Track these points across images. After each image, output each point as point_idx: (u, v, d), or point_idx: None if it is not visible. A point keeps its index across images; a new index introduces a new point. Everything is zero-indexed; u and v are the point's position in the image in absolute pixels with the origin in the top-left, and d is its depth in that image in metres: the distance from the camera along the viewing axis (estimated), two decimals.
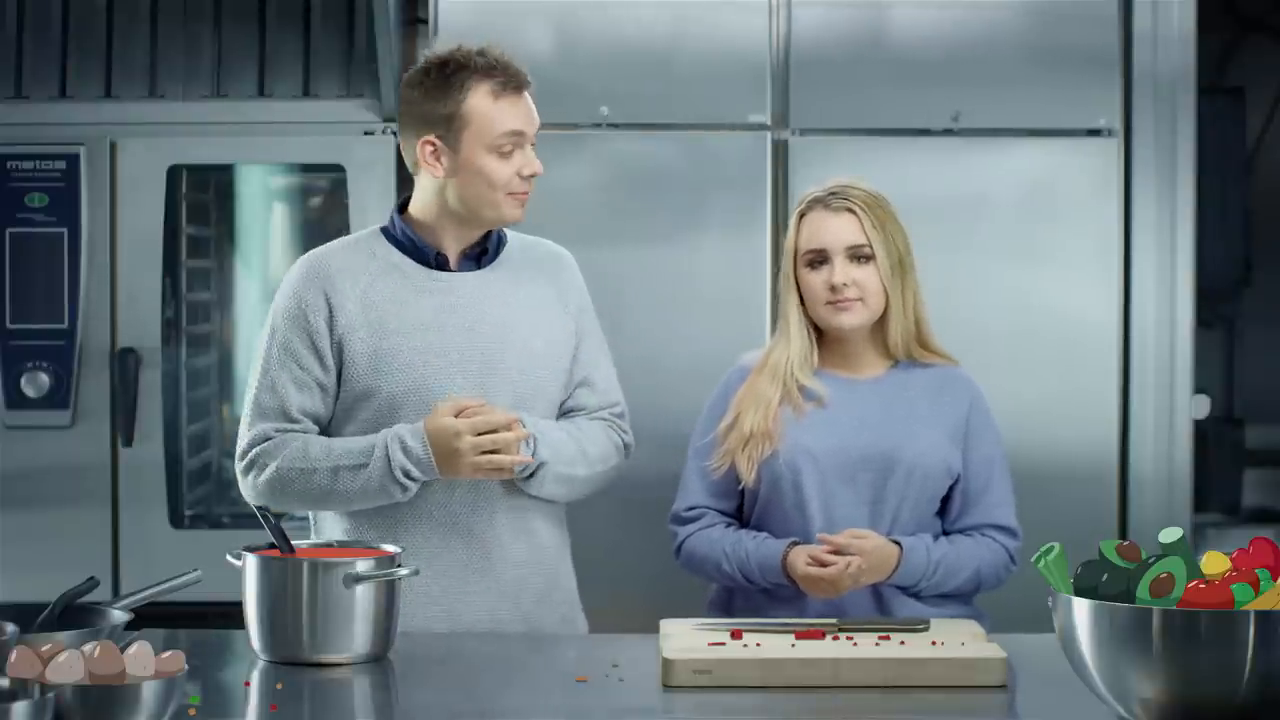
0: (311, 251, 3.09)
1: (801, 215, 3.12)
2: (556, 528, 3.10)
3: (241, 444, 3.01)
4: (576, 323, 3.10)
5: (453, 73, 2.95)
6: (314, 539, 3.06)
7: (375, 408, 2.98)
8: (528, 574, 3.03)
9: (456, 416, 2.89)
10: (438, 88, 2.96)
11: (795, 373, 3.09)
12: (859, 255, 3.07)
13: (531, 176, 2.98)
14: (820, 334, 3.14)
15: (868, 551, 2.96)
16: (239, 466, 3.02)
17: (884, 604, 3.04)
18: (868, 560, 2.96)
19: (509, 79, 2.96)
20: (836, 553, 2.96)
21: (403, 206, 3.07)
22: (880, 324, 3.11)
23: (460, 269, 3.04)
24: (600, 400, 3.11)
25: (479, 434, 2.88)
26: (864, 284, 3.06)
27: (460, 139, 2.95)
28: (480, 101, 2.94)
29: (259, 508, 2.72)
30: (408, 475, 2.91)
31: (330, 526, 3.04)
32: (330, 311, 2.98)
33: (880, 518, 3.05)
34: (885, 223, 3.08)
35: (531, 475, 2.97)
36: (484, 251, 3.05)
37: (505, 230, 3.10)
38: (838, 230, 3.07)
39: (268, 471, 2.96)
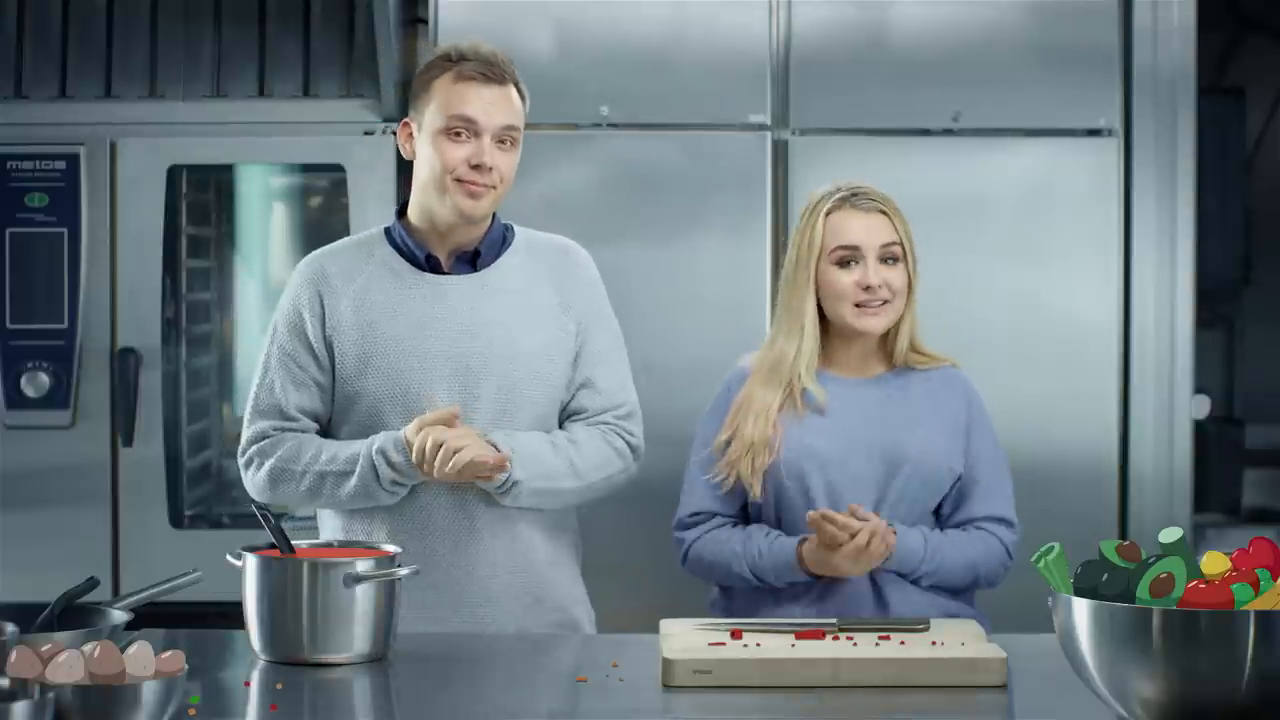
0: (315, 251, 3.12)
1: (827, 214, 3.08)
2: (550, 538, 3.07)
3: (242, 441, 3.07)
4: (579, 323, 3.07)
5: (438, 61, 3.02)
6: (321, 536, 3.08)
7: (363, 409, 3.00)
8: (513, 580, 3.02)
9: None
10: (424, 73, 3.02)
11: (801, 374, 3.08)
12: (889, 256, 3.06)
13: (480, 168, 2.95)
14: (825, 334, 3.13)
15: (874, 522, 2.93)
16: (240, 462, 3.07)
17: (884, 599, 3.03)
18: (875, 528, 2.92)
19: (476, 66, 2.97)
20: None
21: (403, 209, 3.08)
22: (892, 327, 3.11)
23: (455, 271, 3.04)
24: (604, 402, 3.08)
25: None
26: (893, 285, 3.06)
27: (424, 118, 2.99)
28: (444, 82, 2.98)
29: (259, 507, 2.72)
30: (396, 484, 2.95)
31: (329, 524, 3.08)
32: (323, 311, 3.01)
33: (882, 517, 3.04)
34: (906, 226, 3.09)
35: (506, 491, 2.96)
36: (478, 253, 3.05)
37: (513, 229, 3.09)
38: (872, 229, 3.06)
39: (264, 469, 3.01)
